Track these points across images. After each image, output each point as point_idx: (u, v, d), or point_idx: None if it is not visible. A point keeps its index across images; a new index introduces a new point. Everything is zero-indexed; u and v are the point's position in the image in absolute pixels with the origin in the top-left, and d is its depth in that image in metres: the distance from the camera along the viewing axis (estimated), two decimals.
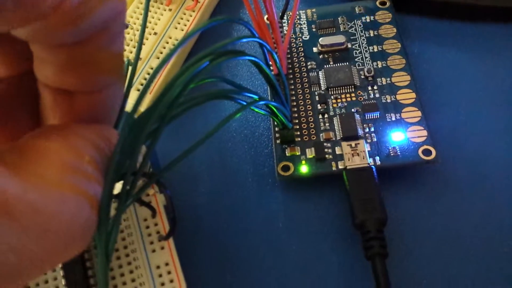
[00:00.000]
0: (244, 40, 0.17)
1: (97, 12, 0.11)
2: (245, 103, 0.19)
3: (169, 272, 0.19)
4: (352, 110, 0.24)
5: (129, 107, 0.15)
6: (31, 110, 0.14)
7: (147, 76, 0.25)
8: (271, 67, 0.21)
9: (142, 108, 0.25)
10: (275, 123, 0.23)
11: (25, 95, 0.14)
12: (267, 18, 0.24)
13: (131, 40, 0.26)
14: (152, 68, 0.26)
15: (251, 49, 0.28)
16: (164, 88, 0.14)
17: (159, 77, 0.25)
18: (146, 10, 0.24)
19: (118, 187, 0.14)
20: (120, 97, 0.15)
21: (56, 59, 0.12)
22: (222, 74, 0.27)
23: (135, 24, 0.27)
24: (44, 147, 0.11)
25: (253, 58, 0.18)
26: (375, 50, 0.25)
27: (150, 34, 0.27)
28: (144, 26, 0.24)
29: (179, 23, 0.27)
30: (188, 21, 0.27)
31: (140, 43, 0.23)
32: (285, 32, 0.27)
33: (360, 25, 0.27)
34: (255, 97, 0.19)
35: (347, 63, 0.25)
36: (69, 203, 0.11)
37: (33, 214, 0.10)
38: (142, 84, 0.25)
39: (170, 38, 0.27)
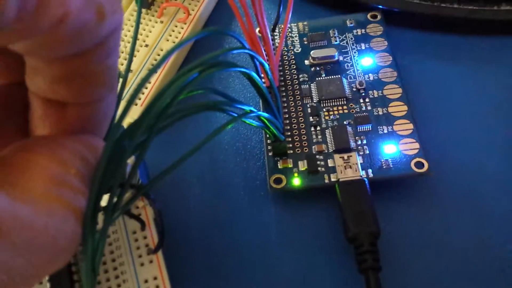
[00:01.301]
0: (235, 51, 0.17)
1: (97, 30, 0.11)
2: (236, 115, 0.18)
3: (157, 287, 0.19)
4: (344, 122, 0.23)
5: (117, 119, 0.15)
6: (19, 121, 0.14)
7: None
8: (262, 79, 0.21)
9: (130, 119, 0.24)
10: (267, 136, 0.23)
11: (13, 105, 0.14)
12: (258, 31, 0.24)
13: (122, 52, 0.26)
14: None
15: (243, 62, 0.28)
16: (153, 99, 0.14)
17: (151, 89, 0.25)
18: (138, 21, 0.24)
19: (106, 199, 0.14)
20: (112, 109, 0.15)
21: (50, 71, 0.12)
22: (213, 86, 0.27)
23: (126, 36, 0.27)
24: (30, 160, 0.11)
25: (244, 70, 0.18)
26: (367, 63, 0.25)
27: (141, 46, 0.27)
28: (135, 38, 0.24)
29: (170, 35, 0.27)
30: (180, 33, 0.27)
31: (131, 55, 0.23)
32: (277, 45, 0.27)
33: (351, 38, 0.27)
34: (247, 108, 0.19)
35: (339, 76, 0.25)
36: (55, 217, 0.11)
37: (21, 230, 0.10)
38: None
39: (162, 50, 0.27)
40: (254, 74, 0.18)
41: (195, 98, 0.17)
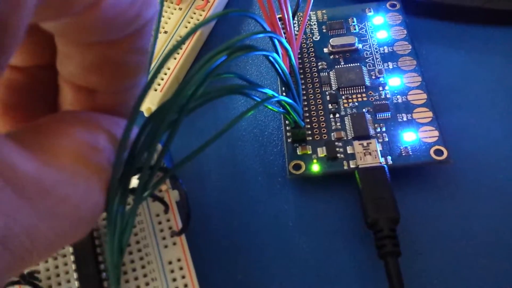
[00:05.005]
0: (261, 35, 0.18)
1: (132, 19, 0.11)
2: (259, 99, 0.19)
3: (181, 268, 0.19)
4: (363, 110, 0.24)
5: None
6: (50, 103, 0.14)
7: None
8: None
9: (150, 104, 0.25)
10: (287, 122, 0.23)
11: (45, 87, 0.14)
12: (279, 18, 0.24)
13: None
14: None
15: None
16: (184, 80, 0.14)
17: (170, 75, 0.25)
18: (160, 11, 0.24)
19: (134, 183, 0.14)
20: None
21: (82, 58, 0.12)
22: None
23: None
24: (61, 130, 0.11)
25: (269, 53, 0.18)
26: (386, 51, 0.25)
27: (160, 33, 0.27)
28: (158, 27, 0.24)
29: (189, 22, 0.27)
30: (198, 20, 0.27)
31: (154, 44, 0.23)
32: (296, 33, 0.27)
33: (370, 27, 0.27)
34: (270, 93, 0.19)
35: (358, 64, 0.25)
36: (78, 187, 0.11)
37: (44, 194, 0.10)
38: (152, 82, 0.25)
39: (180, 37, 0.27)
40: (279, 58, 0.18)
41: (218, 83, 0.17)
